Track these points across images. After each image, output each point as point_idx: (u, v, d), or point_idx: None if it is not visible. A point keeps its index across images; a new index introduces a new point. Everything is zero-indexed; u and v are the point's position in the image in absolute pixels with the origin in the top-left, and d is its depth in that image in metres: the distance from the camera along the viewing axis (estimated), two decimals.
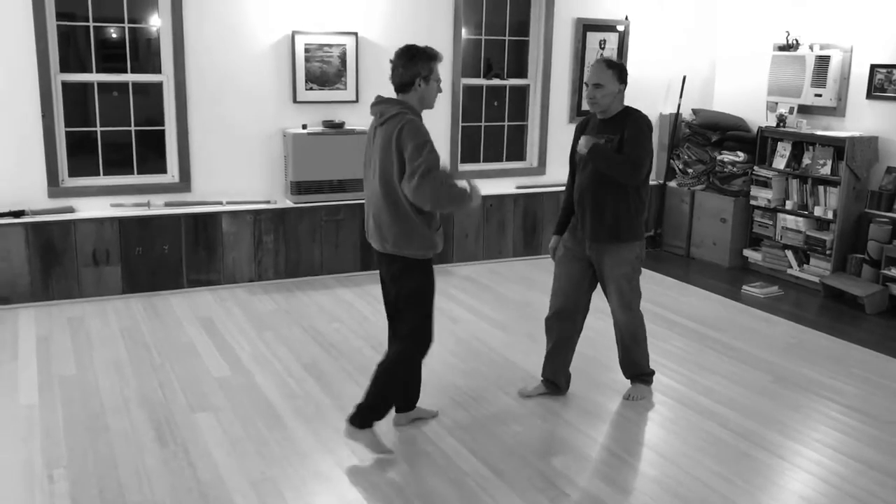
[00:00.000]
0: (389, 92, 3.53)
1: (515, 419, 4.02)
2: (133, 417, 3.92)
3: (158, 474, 3.41)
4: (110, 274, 5.72)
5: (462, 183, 3.43)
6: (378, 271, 3.71)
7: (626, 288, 4.02)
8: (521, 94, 7.19)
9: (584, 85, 3.99)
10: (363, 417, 3.56)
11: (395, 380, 3.61)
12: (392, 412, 3.78)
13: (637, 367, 4.26)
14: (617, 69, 3.88)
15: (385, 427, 3.87)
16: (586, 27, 7.15)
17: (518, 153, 7.31)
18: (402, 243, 3.42)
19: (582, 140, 3.88)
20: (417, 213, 3.39)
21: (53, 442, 3.66)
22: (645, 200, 4.00)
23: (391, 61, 3.46)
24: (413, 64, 3.39)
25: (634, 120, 3.90)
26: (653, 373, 4.32)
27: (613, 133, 3.88)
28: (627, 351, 4.21)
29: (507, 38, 7.08)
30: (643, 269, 4.14)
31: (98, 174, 5.87)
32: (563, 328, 4.15)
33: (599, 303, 5.83)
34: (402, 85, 3.43)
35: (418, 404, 3.95)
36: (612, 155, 3.83)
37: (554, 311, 4.15)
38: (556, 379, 4.24)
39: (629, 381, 4.31)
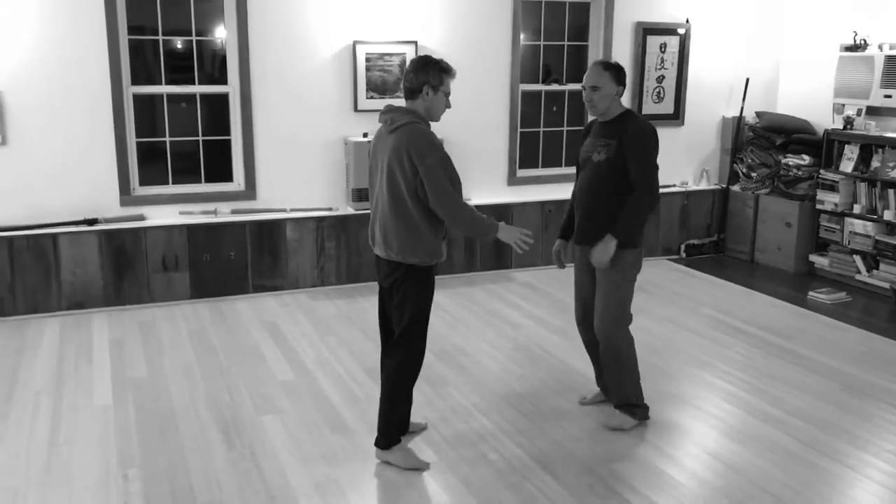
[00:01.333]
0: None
1: (576, 425, 4.01)
2: (202, 419, 4.04)
3: (227, 475, 3.50)
4: (179, 280, 5.90)
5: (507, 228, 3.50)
6: (377, 282, 3.68)
7: (614, 296, 3.83)
8: (580, 99, 7.16)
9: (581, 89, 3.87)
10: (386, 438, 3.61)
11: (402, 392, 3.61)
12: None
13: (623, 397, 3.96)
14: (614, 70, 3.76)
15: (444, 431, 3.91)
16: (646, 31, 7.09)
17: (577, 158, 7.27)
18: (407, 250, 3.41)
19: (598, 255, 3.74)
20: (425, 220, 3.39)
21: (127, 442, 3.80)
22: None
23: (405, 68, 3.49)
24: (424, 72, 3.40)
25: (636, 132, 3.72)
26: (645, 407, 4.01)
27: (610, 137, 3.76)
28: (611, 375, 3.95)
29: (565, 42, 7.07)
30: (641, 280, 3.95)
31: (167, 183, 6.05)
32: (589, 336, 4.09)
33: (658, 308, 5.80)
34: (410, 91, 3.44)
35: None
36: (629, 218, 3.70)
37: (577, 320, 4.13)
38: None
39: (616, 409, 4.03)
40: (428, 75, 3.40)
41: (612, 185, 3.77)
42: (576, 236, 3.98)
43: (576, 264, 4.09)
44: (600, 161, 3.79)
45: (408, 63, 3.49)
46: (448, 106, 3.51)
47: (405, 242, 3.41)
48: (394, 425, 3.62)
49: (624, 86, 3.80)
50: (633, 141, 3.72)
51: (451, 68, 3.47)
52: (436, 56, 3.51)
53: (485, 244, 6.64)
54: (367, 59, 6.20)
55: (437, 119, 3.51)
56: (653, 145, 3.76)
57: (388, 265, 3.50)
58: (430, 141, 3.36)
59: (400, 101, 6.23)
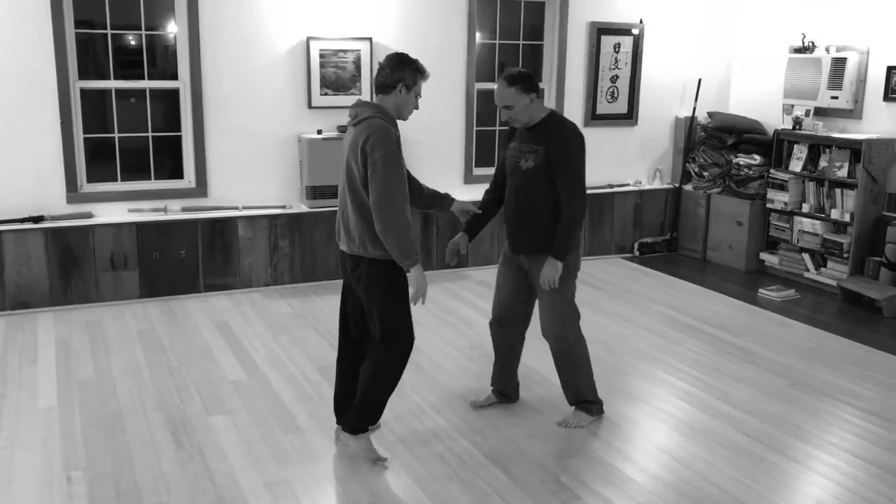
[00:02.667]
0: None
1: (528, 422, 4.02)
2: (150, 420, 3.96)
3: (175, 477, 3.44)
4: (128, 278, 5.78)
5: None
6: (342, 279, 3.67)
7: (558, 301, 3.79)
8: None
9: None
10: (359, 421, 3.59)
11: (386, 383, 3.59)
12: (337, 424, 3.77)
13: (578, 394, 3.98)
14: (519, 83, 3.64)
15: (398, 430, 3.90)
16: (601, 31, 7.14)
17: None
18: (368, 244, 3.39)
19: (547, 278, 3.68)
20: None
21: (72, 444, 3.71)
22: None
23: (380, 63, 3.47)
24: (400, 69, 3.41)
25: (562, 139, 3.65)
26: (599, 402, 4.04)
27: (536, 143, 3.69)
28: (564, 374, 3.96)
29: (521, 42, 7.09)
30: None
31: (116, 180, 5.93)
32: (503, 337, 4.07)
33: (611, 305, 5.85)
34: (384, 86, 3.43)
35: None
36: (566, 235, 3.65)
37: (493, 318, 4.08)
38: (503, 389, 4.20)
39: (572, 406, 4.05)
40: (404, 73, 3.41)
41: (543, 193, 3.71)
42: (510, 245, 3.91)
43: (503, 263, 4.03)
44: (529, 168, 3.72)
45: (383, 59, 3.46)
46: (416, 107, 3.51)
47: (366, 236, 3.39)
48: (370, 411, 3.61)
49: (536, 90, 3.69)
50: (559, 149, 3.66)
51: (425, 70, 3.47)
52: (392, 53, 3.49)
53: (440, 241, 6.64)
54: (322, 56, 6.14)
55: (405, 118, 3.50)
56: (580, 152, 3.70)
57: (353, 259, 3.49)
58: (385, 136, 3.32)
59: (355, 97, 6.27)
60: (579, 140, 3.72)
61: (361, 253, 3.43)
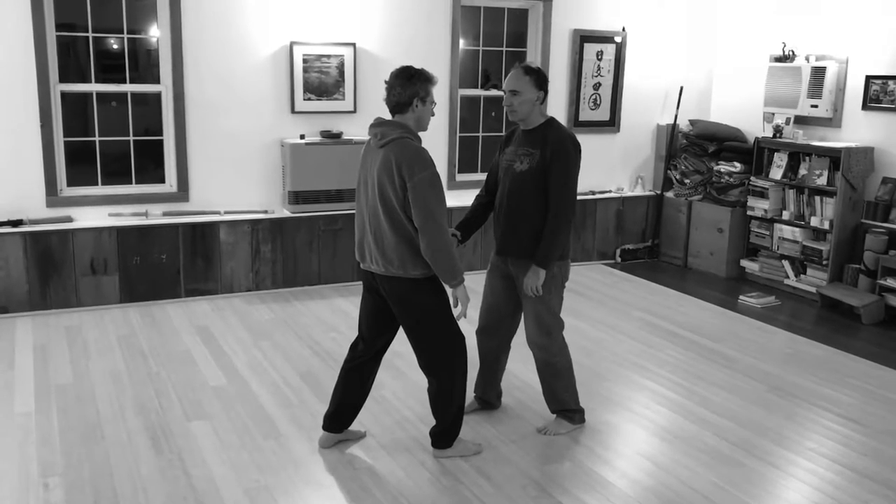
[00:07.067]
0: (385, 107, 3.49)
1: (510, 428, 4.02)
2: (129, 426, 3.93)
3: (154, 482, 3.41)
4: (108, 283, 5.74)
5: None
6: (364, 295, 3.67)
7: (542, 310, 3.78)
8: None
9: (502, 93, 3.81)
10: (444, 439, 3.67)
11: (454, 399, 3.61)
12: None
13: (560, 403, 3.99)
14: (535, 75, 3.69)
15: (381, 438, 3.88)
16: (583, 38, 7.18)
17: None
18: (408, 264, 3.37)
19: (529, 285, 3.70)
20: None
21: (49, 450, 3.67)
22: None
23: (387, 82, 3.41)
24: (411, 84, 3.36)
25: (560, 144, 3.66)
26: (581, 411, 4.04)
27: (533, 147, 3.70)
28: (546, 383, 3.96)
29: (504, 49, 7.11)
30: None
31: (96, 184, 5.89)
32: (489, 345, 4.06)
33: (593, 311, 5.87)
34: (399, 105, 3.38)
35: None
36: (550, 243, 3.65)
37: (480, 326, 4.06)
38: (486, 396, 4.19)
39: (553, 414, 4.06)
40: (416, 87, 3.36)
41: (535, 196, 3.70)
42: (498, 247, 3.89)
43: (490, 271, 4.02)
44: (523, 171, 3.72)
45: (389, 77, 3.41)
46: (433, 114, 3.48)
47: (406, 257, 3.36)
48: (452, 426, 3.66)
49: (545, 91, 3.73)
50: (556, 154, 3.66)
51: (433, 77, 3.43)
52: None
53: None
54: (305, 61, 6.13)
55: (425, 128, 3.47)
56: (576, 160, 3.71)
57: (390, 281, 3.44)
58: (421, 157, 3.31)
59: (338, 103, 6.28)
60: (576, 148, 3.72)
61: (400, 273, 3.39)
